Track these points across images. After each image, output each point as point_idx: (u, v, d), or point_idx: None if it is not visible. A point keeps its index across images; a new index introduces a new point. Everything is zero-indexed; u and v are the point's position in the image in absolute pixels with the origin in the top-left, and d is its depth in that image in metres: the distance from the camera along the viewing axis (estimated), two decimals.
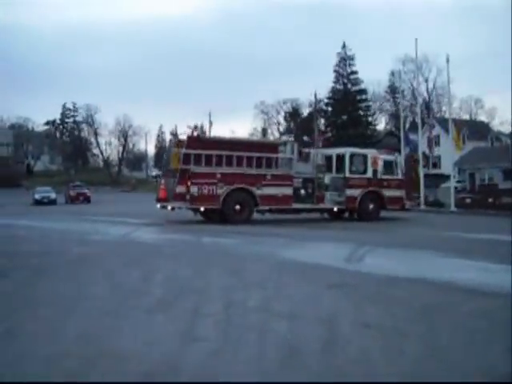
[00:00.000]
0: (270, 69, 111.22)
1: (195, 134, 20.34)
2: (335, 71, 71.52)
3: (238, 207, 18.48)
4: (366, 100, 72.58)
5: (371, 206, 21.00)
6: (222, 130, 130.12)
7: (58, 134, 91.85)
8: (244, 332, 4.92)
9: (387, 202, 21.25)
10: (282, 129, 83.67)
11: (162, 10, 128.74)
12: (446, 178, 35.67)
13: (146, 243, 12.68)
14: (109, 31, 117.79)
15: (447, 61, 31.42)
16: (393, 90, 75.38)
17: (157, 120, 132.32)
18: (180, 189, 17.78)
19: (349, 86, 71.39)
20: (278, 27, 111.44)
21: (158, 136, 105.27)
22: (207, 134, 56.16)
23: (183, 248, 11.67)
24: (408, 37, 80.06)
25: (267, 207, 19.16)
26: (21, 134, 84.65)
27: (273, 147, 20.34)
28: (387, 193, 21.22)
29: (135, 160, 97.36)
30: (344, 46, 70.37)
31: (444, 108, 75.32)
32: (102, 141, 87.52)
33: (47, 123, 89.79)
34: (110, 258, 9.83)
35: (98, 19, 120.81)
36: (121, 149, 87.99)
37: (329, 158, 21.46)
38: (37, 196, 41.41)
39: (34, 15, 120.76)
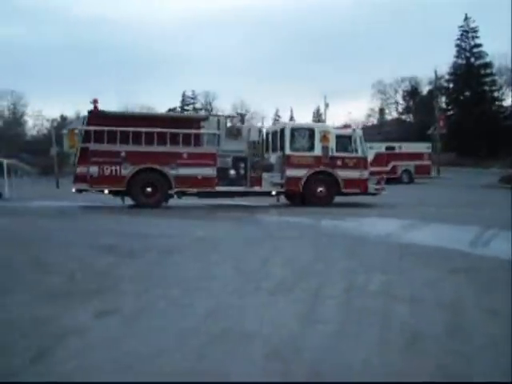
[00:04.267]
0: (387, 46, 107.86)
1: (97, 108, 17.36)
2: (457, 45, 68.07)
3: (149, 189, 16.74)
4: (491, 74, 68.33)
5: (320, 189, 18.10)
6: (338, 111, 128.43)
7: None
8: (365, 315, 4.93)
9: (344, 185, 18.16)
10: (400, 108, 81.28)
11: None
12: None
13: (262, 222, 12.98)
14: (224, 17, 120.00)
15: None
16: None
17: (273, 104, 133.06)
18: (80, 169, 16.49)
19: (472, 60, 67.68)
20: (396, 2, 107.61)
21: (275, 120, 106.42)
22: (323, 116, 55.67)
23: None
24: None
25: (184, 190, 17.22)
26: None
27: (193, 122, 18.06)
28: (343, 173, 18.19)
29: None
30: (466, 18, 66.81)
31: None
32: None
33: (169, 111, 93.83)
34: (229, 240, 10.23)
35: (215, 4, 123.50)
36: None
37: (270, 135, 19.45)
38: None
39: (153, 7, 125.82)
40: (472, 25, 66.94)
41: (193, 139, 17.17)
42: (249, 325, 4.66)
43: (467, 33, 67.58)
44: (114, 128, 16.51)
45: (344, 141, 18.70)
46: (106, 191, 17.06)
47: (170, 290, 5.88)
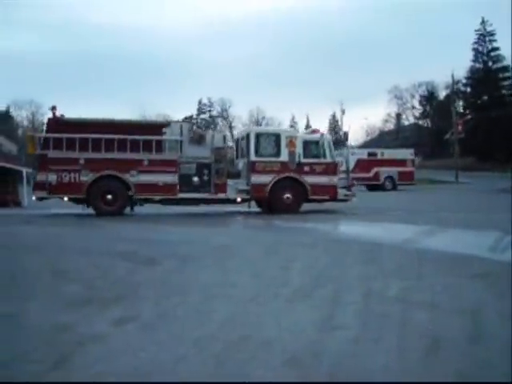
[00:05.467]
0: (403, 51, 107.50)
1: (56, 115, 17.15)
2: (474, 49, 67.84)
3: (109, 197, 16.59)
4: (509, 78, 67.85)
5: (287, 196, 17.71)
6: (355, 117, 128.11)
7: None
8: (384, 321, 4.90)
9: (312, 191, 17.78)
10: (417, 113, 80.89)
11: (290, 1, 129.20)
12: None
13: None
14: (241, 24, 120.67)
15: None
16: None
17: (290, 111, 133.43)
18: (40, 177, 16.54)
19: (489, 63, 67.30)
20: (412, 7, 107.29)
21: (291, 126, 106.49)
22: (339, 122, 55.53)
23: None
24: None
25: (145, 197, 17.05)
26: None
27: (154, 128, 17.86)
28: (310, 179, 17.81)
29: None
30: (483, 22, 66.48)
31: None
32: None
33: (185, 119, 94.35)
34: (248, 247, 10.22)
35: (229, 13, 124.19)
36: None
37: (239, 141, 19.30)
38: None
39: (170, 16, 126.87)
40: (489, 28, 66.70)
41: (154, 146, 17.02)
42: (268, 331, 4.66)
43: (484, 36, 67.30)
44: (72, 135, 16.42)
45: (312, 146, 18.29)
46: (66, 199, 17.00)
47: (188, 297, 5.88)
